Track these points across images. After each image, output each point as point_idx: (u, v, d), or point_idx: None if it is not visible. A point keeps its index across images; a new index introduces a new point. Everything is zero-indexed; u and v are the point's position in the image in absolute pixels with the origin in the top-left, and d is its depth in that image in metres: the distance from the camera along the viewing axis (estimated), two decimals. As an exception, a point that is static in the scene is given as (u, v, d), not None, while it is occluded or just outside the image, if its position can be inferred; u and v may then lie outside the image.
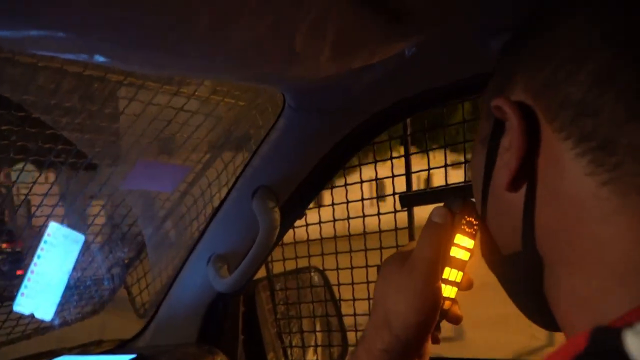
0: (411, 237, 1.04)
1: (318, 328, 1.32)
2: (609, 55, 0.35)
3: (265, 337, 1.28)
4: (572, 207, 0.37)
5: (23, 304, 1.14)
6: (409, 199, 0.98)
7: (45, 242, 1.14)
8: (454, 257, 0.56)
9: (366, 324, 0.58)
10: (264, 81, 0.80)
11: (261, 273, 1.23)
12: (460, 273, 0.57)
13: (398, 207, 1.02)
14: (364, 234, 1.08)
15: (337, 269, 1.15)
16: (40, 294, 1.16)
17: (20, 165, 1.07)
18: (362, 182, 1.06)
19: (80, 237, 1.18)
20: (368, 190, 1.10)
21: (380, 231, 1.04)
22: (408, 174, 0.99)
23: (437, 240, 0.54)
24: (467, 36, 0.71)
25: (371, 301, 1.10)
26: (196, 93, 0.91)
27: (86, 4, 0.42)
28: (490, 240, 0.48)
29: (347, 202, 1.09)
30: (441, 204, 0.57)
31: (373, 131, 0.94)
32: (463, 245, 0.57)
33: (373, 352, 0.54)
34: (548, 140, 0.38)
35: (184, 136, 0.97)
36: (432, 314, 0.53)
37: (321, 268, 1.24)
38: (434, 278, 0.53)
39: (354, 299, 1.13)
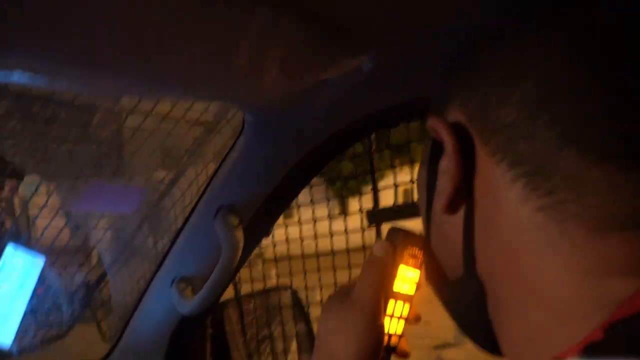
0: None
1: (291, 348, 1.29)
2: (543, 78, 0.33)
3: (235, 358, 1.24)
4: (508, 235, 0.35)
5: (-21, 332, 1.09)
6: (377, 216, 0.95)
7: (1, 266, 1.10)
8: (398, 291, 0.54)
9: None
10: (221, 99, 0.78)
11: (230, 294, 1.20)
12: (407, 305, 0.55)
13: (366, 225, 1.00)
14: (332, 254, 1.06)
15: (306, 287, 1.12)
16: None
17: None
18: (328, 200, 1.04)
19: (40, 260, 1.14)
20: (336, 207, 1.07)
21: (349, 250, 1.02)
22: (375, 190, 0.97)
23: (379, 275, 0.52)
24: (424, 53, 0.70)
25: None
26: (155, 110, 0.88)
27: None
28: (434, 265, 0.47)
29: (314, 221, 1.07)
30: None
31: (336, 148, 0.92)
32: (408, 277, 0.55)
33: None
34: (483, 164, 0.37)
35: (145, 155, 0.94)
36: (374, 353, 0.51)
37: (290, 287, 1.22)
38: (376, 315, 0.51)
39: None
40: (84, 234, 1.13)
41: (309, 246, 1.07)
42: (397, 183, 0.94)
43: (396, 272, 0.54)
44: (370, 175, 0.95)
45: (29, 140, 0.70)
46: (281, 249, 1.14)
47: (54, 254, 1.12)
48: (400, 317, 0.55)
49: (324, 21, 0.57)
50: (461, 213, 0.39)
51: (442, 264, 0.45)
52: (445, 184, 0.39)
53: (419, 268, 0.55)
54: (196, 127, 0.97)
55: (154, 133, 0.88)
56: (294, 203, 1.04)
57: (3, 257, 1.10)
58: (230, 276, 1.02)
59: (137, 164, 0.88)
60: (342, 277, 1.03)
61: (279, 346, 1.29)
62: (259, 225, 1.00)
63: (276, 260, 1.15)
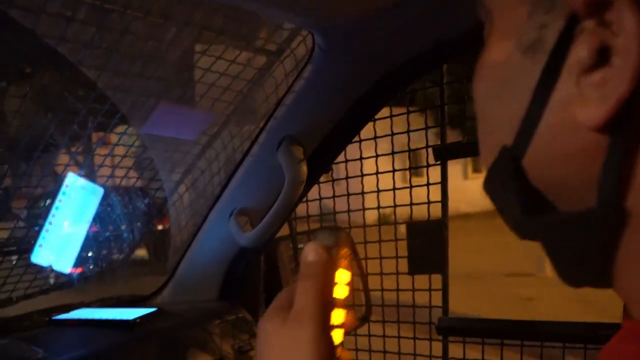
0: (444, 194, 0.99)
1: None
2: None
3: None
4: None
5: (41, 256, 1.11)
6: (444, 151, 0.92)
7: (63, 193, 1.11)
8: (336, 297, 0.50)
9: None
10: (295, 15, 0.74)
11: (284, 231, 1.19)
12: (343, 312, 0.51)
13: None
14: (394, 189, 1.03)
15: (364, 225, 1.11)
16: (58, 246, 1.13)
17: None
18: (392, 134, 1.00)
19: (99, 190, 1.15)
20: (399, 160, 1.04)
21: (411, 186, 0.99)
22: (443, 125, 0.93)
23: (319, 283, 0.47)
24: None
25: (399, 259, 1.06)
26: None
27: None
28: (530, 194, 0.35)
29: (376, 155, 1.04)
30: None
31: (406, 78, 0.89)
32: (342, 281, 0.51)
33: None
34: None
35: (208, 83, 0.92)
36: None
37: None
38: (323, 325, 0.46)
39: (381, 257, 1.09)
40: (145, 164, 1.13)
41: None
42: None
43: (334, 276, 0.49)
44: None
45: (105, 51, 0.69)
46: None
47: (114, 184, 1.13)
48: (339, 326, 0.51)
49: None
50: (612, 128, 0.29)
51: (555, 192, 0.34)
52: (601, 84, 0.28)
53: (350, 269, 0.51)
54: (259, 56, 0.93)
55: (220, 59, 0.85)
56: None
57: (64, 185, 1.11)
58: (290, 209, 1.01)
59: (204, 90, 0.87)
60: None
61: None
62: (321, 158, 0.98)
63: (334, 197, 1.13)
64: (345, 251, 0.51)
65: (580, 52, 0.29)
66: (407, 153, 1.02)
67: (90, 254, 1.26)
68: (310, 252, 0.48)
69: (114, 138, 1.03)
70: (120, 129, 0.98)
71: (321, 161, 0.99)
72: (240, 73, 0.89)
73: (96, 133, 0.98)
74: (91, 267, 1.28)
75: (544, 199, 0.35)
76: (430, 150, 0.94)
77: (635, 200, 0.29)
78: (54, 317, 1.00)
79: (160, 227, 1.32)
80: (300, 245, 1.33)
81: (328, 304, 0.47)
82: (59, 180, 1.11)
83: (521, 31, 0.32)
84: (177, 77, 0.83)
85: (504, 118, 0.34)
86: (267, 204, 0.99)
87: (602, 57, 0.28)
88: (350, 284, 0.51)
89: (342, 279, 0.50)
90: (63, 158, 1.04)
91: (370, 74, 0.86)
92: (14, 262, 1.18)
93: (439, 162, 0.95)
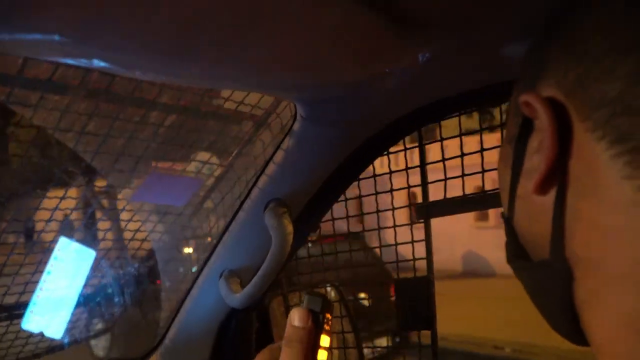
0: (428, 251, 1.01)
1: (334, 344, 1.28)
2: None
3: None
4: (607, 215, 0.34)
5: (32, 322, 1.12)
6: (427, 210, 0.94)
7: (55, 258, 1.12)
8: None
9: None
10: (278, 90, 0.78)
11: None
12: None
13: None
14: (380, 247, 1.05)
15: (354, 280, 1.12)
16: (50, 311, 1.14)
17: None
18: (376, 193, 1.03)
19: (91, 253, 1.16)
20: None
21: (397, 244, 1.01)
22: (424, 184, 0.96)
23: (303, 350, 0.50)
24: (483, 44, 0.69)
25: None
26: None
27: (89, 5, 0.40)
28: (516, 246, 0.45)
29: (362, 214, 1.06)
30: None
31: (388, 141, 0.92)
32: (323, 346, 0.53)
33: None
34: (581, 141, 0.35)
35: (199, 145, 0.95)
36: None
37: (336, 283, 1.21)
38: None
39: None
40: (135, 228, 1.15)
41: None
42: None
43: (319, 342, 0.52)
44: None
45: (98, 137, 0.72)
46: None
47: (104, 248, 1.14)
48: None
49: (394, 11, 0.56)
50: (552, 193, 0.38)
51: (527, 245, 0.44)
52: (537, 162, 0.38)
53: (330, 335, 0.54)
54: (246, 121, 0.97)
55: (207, 126, 0.88)
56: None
57: (56, 249, 1.12)
58: (278, 269, 1.02)
59: (190, 155, 0.89)
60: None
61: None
62: (308, 218, 1.00)
63: (323, 255, 1.14)
64: (328, 316, 0.53)
65: (533, 141, 0.40)
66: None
67: (81, 318, 1.26)
68: (296, 317, 0.51)
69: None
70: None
71: (308, 221, 1.01)
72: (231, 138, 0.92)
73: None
74: (82, 330, 1.28)
75: (525, 251, 0.44)
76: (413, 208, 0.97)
77: (576, 250, 0.37)
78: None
79: (151, 290, 1.32)
80: (293, 303, 1.34)
81: None
82: (50, 245, 1.13)
83: (509, 129, 0.45)
84: (166, 148, 0.86)
85: (503, 193, 0.46)
86: (256, 265, 1.01)
87: (541, 144, 0.38)
88: (329, 349, 0.53)
89: (324, 343, 0.52)
90: (53, 224, 1.06)
91: (351, 138, 0.89)
92: (4, 329, 1.17)
93: (422, 221, 0.97)
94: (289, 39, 0.55)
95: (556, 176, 0.37)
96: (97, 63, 0.45)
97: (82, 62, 0.44)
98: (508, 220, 0.46)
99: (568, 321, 0.39)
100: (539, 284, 0.43)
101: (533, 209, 0.41)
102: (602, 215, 0.34)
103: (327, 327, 0.53)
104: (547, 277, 0.40)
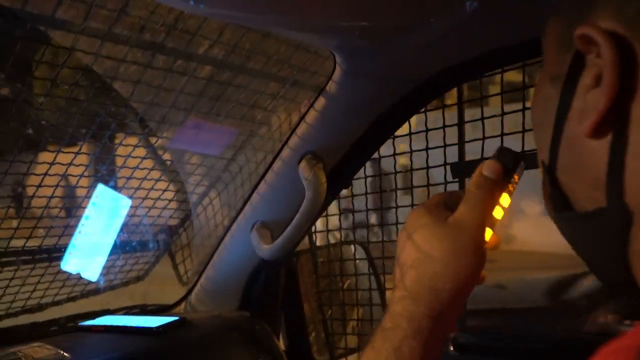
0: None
1: (361, 301, 1.30)
2: None
3: (306, 309, 1.27)
4: None
5: (70, 263, 1.16)
6: (462, 168, 0.94)
7: (93, 204, 1.15)
8: (492, 216, 0.53)
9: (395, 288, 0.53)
10: (320, 36, 0.77)
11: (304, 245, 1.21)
12: (490, 231, 0.53)
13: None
14: (412, 205, 1.05)
15: (382, 241, 1.12)
16: (87, 254, 1.18)
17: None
18: (411, 151, 1.02)
19: (126, 201, 1.19)
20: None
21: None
22: (461, 143, 0.95)
23: (489, 198, 0.51)
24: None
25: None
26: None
27: None
28: (562, 198, 0.43)
29: (395, 172, 1.06)
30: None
31: (425, 97, 0.91)
32: (502, 204, 0.53)
33: (415, 317, 0.50)
34: None
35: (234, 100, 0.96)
36: (478, 274, 0.51)
37: (366, 240, 1.22)
38: (482, 238, 0.51)
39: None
40: (172, 176, 1.17)
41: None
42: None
43: (499, 197, 0.52)
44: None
45: (139, 67, 0.73)
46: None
47: (141, 196, 1.17)
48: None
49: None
50: (608, 136, 0.36)
51: (573, 193, 0.41)
52: (593, 101, 0.36)
53: (512, 196, 0.54)
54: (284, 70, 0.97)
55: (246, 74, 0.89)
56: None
57: (94, 195, 1.15)
58: (311, 222, 1.04)
59: (229, 105, 0.90)
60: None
61: (349, 299, 1.30)
62: (341, 174, 1.01)
63: (353, 211, 1.15)
64: (515, 177, 0.53)
65: (586, 78, 0.37)
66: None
67: (116, 263, 1.30)
68: (488, 167, 0.52)
69: (142, 151, 1.07)
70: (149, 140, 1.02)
71: (341, 177, 1.02)
72: (264, 89, 0.93)
73: (124, 147, 1.02)
74: (116, 275, 1.32)
75: (569, 202, 0.42)
76: (448, 167, 0.96)
77: (635, 198, 0.35)
78: (80, 324, 1.04)
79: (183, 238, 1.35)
80: (320, 259, 1.36)
81: (488, 219, 0.51)
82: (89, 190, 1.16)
83: (551, 68, 0.42)
84: (205, 93, 0.86)
85: (542, 139, 0.43)
86: (288, 218, 1.02)
87: (598, 81, 0.36)
88: (506, 209, 0.54)
89: (503, 201, 0.53)
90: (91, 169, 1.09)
91: (389, 93, 0.89)
92: (43, 269, 1.22)
93: (456, 180, 0.96)
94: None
95: (614, 117, 0.35)
96: None
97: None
98: (550, 170, 0.43)
99: (622, 271, 0.38)
100: (589, 234, 0.41)
101: (583, 155, 0.38)
102: None
103: (510, 188, 0.53)
104: (601, 226, 0.38)
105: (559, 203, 0.43)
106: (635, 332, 0.32)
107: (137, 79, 0.78)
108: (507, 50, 0.78)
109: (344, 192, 1.10)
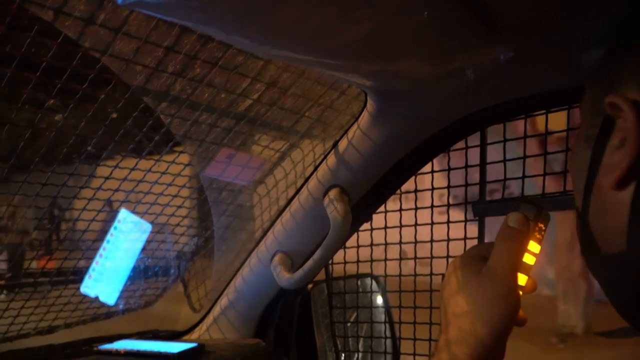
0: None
1: (373, 334, 1.31)
2: None
3: (318, 340, 1.28)
4: None
5: (89, 286, 1.17)
6: (483, 208, 0.97)
7: (115, 228, 1.17)
8: (524, 262, 0.58)
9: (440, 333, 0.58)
10: (355, 77, 0.81)
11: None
12: (526, 277, 0.58)
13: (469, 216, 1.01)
14: (431, 241, 1.07)
15: (400, 275, 1.14)
16: (106, 278, 1.19)
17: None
18: (433, 189, 1.06)
19: (147, 226, 1.21)
20: (438, 198, 1.09)
21: (449, 239, 1.03)
22: (482, 183, 0.98)
23: (516, 247, 0.56)
24: (561, 45, 0.71)
25: (433, 310, 1.10)
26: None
27: None
28: (591, 239, 0.49)
29: (416, 208, 1.09)
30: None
31: (454, 137, 0.94)
32: (532, 251, 0.59)
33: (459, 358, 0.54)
34: None
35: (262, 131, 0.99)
36: (514, 318, 0.55)
37: (382, 274, 1.24)
38: (515, 284, 0.55)
39: (415, 307, 1.12)
40: (194, 204, 1.19)
41: (408, 235, 1.09)
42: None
43: (527, 245, 0.58)
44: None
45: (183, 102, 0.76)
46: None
47: (162, 223, 1.19)
48: (520, 287, 0.58)
49: (482, 8, 0.59)
50: (631, 188, 0.42)
51: (601, 238, 0.47)
52: (619, 159, 0.42)
53: (540, 243, 0.59)
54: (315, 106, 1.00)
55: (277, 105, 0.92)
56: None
57: (116, 219, 1.17)
58: (333, 254, 1.05)
59: (256, 136, 0.93)
60: (439, 268, 1.04)
61: (360, 331, 1.31)
62: (364, 208, 1.03)
63: (372, 245, 1.17)
64: (540, 225, 0.59)
65: (614, 139, 0.44)
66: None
67: (129, 288, 1.31)
68: (513, 219, 0.57)
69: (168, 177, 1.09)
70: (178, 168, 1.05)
71: (364, 211, 1.04)
72: (294, 124, 0.96)
73: (152, 173, 1.04)
74: (132, 300, 1.33)
75: (598, 245, 0.47)
76: (469, 206, 0.99)
77: None
78: (100, 347, 1.04)
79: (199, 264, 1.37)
80: (335, 290, 1.37)
81: (519, 266, 0.56)
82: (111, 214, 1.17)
83: (586, 129, 0.49)
84: (240, 128, 0.89)
85: (578, 189, 0.50)
86: (310, 249, 1.04)
87: (623, 143, 0.43)
88: (537, 255, 0.59)
89: (532, 248, 0.59)
90: (117, 194, 1.11)
91: (419, 132, 0.92)
92: (59, 292, 1.23)
93: (476, 218, 0.99)
94: (381, 27, 0.58)
95: (636, 173, 0.41)
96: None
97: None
98: (582, 216, 0.49)
99: None
100: (614, 275, 0.47)
101: (610, 204, 0.44)
102: None
103: (538, 236, 0.59)
104: (623, 268, 0.44)
105: (588, 245, 0.49)
106: None
107: (178, 110, 0.81)
108: (528, 99, 0.83)
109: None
